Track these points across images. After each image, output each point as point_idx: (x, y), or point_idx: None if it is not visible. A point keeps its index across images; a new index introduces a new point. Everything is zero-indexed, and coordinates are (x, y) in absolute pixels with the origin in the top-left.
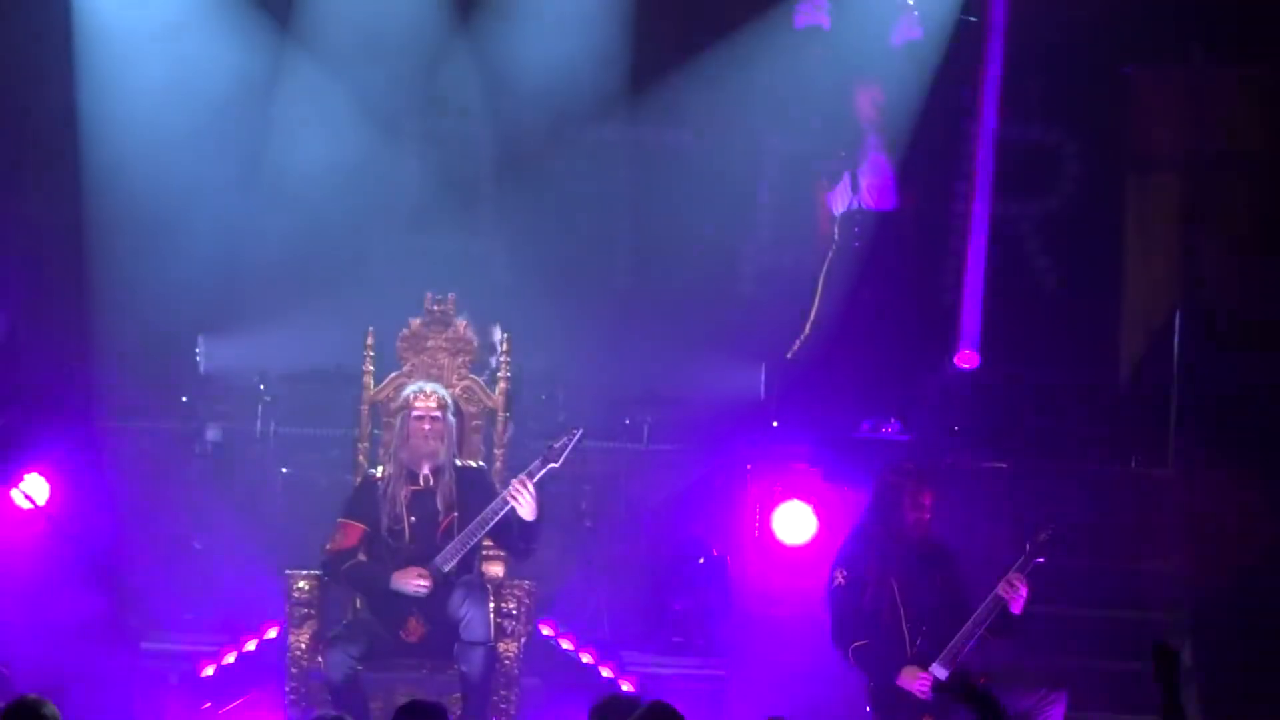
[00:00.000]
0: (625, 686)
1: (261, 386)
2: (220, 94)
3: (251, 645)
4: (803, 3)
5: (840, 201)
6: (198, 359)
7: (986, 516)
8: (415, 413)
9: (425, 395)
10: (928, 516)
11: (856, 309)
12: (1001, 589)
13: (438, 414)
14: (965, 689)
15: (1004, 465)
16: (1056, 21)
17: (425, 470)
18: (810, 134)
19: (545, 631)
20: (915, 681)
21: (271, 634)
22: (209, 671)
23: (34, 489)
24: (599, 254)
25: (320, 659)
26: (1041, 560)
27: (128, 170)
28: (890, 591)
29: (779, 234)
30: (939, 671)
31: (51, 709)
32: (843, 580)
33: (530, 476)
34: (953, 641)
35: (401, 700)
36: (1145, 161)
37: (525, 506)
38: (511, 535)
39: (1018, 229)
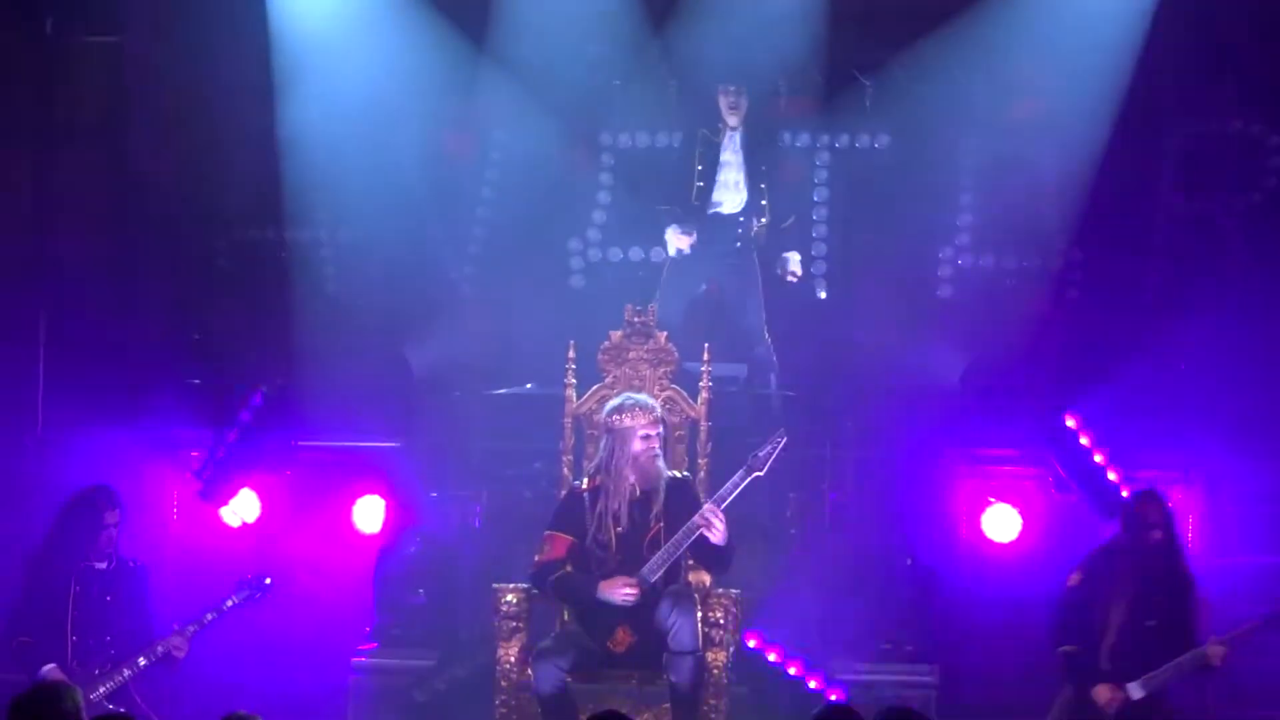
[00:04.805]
0: (832, 697)
1: (463, 401)
2: (414, 110)
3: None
4: None
5: None
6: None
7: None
8: (641, 433)
9: (642, 413)
10: (1164, 538)
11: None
12: (1209, 647)
13: (658, 430)
14: None
15: None
16: (1258, 12)
17: (650, 485)
18: (1009, 133)
19: (752, 642)
20: (1107, 697)
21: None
22: (418, 687)
23: (245, 507)
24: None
25: (529, 671)
26: (1260, 623)
27: (328, 188)
28: (1121, 608)
29: (978, 237)
30: (1135, 691)
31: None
32: (1075, 583)
33: (727, 495)
34: (1158, 670)
35: None
36: None
37: (715, 533)
38: (706, 557)
39: (1220, 223)
